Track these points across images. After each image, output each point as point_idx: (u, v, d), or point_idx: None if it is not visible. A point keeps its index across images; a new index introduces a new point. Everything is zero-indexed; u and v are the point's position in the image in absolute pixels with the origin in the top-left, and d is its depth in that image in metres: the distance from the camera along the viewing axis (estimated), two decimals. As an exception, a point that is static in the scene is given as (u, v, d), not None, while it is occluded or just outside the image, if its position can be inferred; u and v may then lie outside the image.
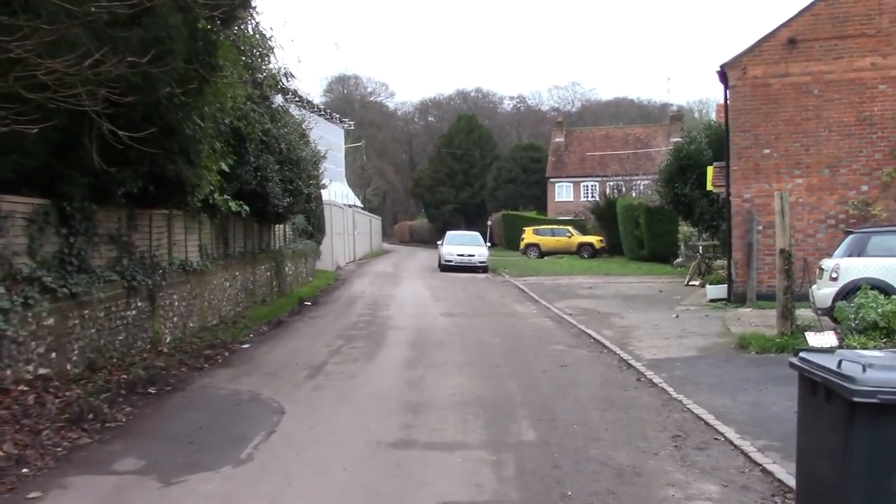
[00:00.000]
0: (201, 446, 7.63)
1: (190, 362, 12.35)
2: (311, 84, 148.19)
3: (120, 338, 11.82)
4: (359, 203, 69.20)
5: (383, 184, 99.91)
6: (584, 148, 68.17)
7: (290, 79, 17.99)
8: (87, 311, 10.65)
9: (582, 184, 65.45)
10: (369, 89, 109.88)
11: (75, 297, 10.24)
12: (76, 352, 10.33)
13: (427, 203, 79.62)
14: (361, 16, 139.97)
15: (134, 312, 12.39)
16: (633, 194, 48.13)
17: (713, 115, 39.77)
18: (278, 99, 19.63)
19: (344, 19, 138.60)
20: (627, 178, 53.58)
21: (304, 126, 23.26)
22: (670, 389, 10.17)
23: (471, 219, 72.49)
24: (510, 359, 12.91)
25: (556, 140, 69.41)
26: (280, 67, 17.87)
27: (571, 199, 65.25)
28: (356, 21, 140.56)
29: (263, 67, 17.70)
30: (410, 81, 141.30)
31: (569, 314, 18.96)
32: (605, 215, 46.89)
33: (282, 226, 27.27)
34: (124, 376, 10.37)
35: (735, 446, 7.55)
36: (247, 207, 16.56)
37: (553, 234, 49.45)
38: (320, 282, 30.08)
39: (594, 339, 14.91)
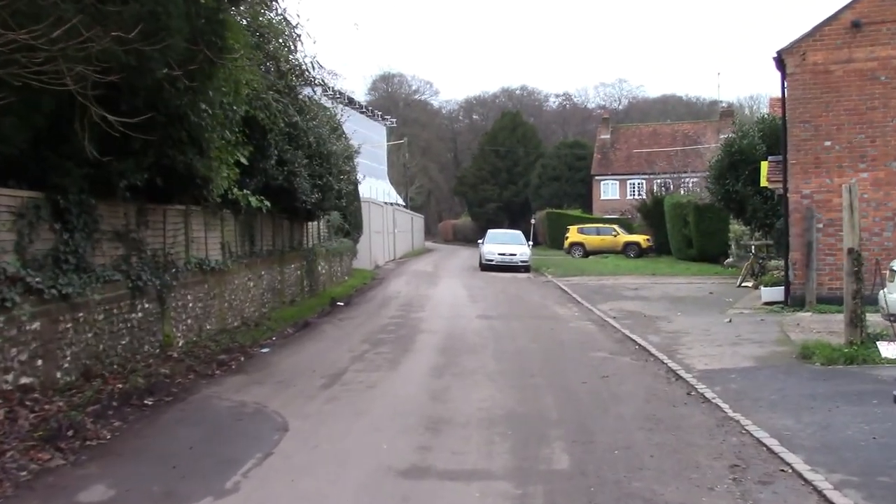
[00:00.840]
0: (185, 471, 6.66)
1: (199, 368, 11.44)
2: (355, 82, 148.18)
3: (123, 342, 10.96)
4: (400, 201, 68.44)
5: (427, 182, 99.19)
6: (630, 145, 66.56)
7: (317, 69, 17.06)
8: (81, 314, 9.79)
9: (628, 181, 63.85)
10: (413, 87, 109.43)
11: (67, 299, 9.38)
12: (68, 358, 9.47)
13: (470, 201, 78.56)
14: (406, 13, 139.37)
15: (140, 315, 11.52)
16: (682, 192, 46.61)
17: (765, 111, 38.26)
18: (310, 91, 18.66)
19: (388, 17, 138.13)
20: (675, 175, 51.97)
21: (336, 120, 22.27)
22: (725, 406, 8.99)
23: (514, 217, 71.27)
24: (547, 367, 11.80)
25: (602, 137, 67.89)
26: (307, 57, 16.93)
27: (617, 197, 63.70)
28: (400, 19, 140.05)
29: (289, 56, 16.79)
30: (455, 79, 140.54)
31: (612, 317, 17.78)
32: (651, 214, 45.40)
33: (315, 223, 26.44)
34: (120, 385, 9.49)
35: (806, 481, 6.37)
36: (268, 203, 15.64)
37: (598, 233, 48.07)
38: (356, 281, 29.21)
39: (639, 345, 13.74)
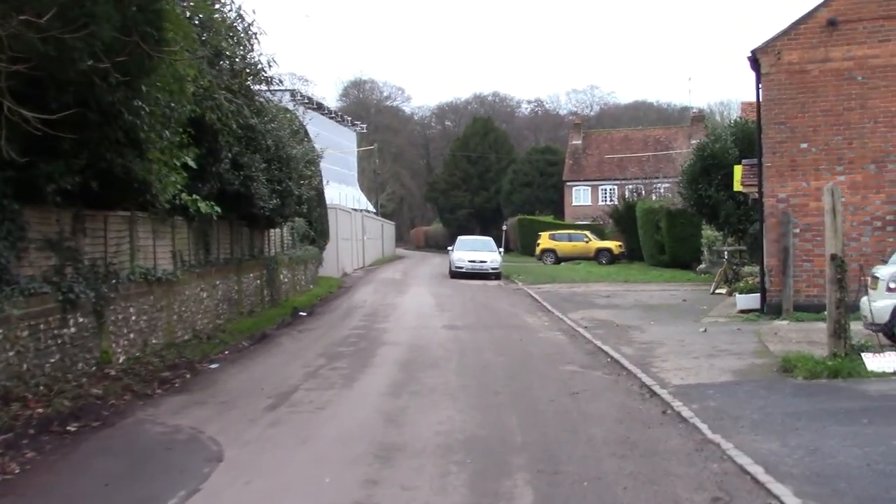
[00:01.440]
0: (93, 515, 5.84)
1: (138, 388, 10.57)
2: (326, 89, 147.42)
3: (52, 360, 10.05)
4: (371, 208, 67.53)
5: (399, 189, 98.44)
6: (602, 151, 66.07)
7: (273, 67, 16.20)
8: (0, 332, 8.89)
9: (600, 187, 63.39)
10: (385, 94, 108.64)
11: (-22, 316, 8.50)
12: (-18, 380, 8.59)
13: (441, 207, 77.79)
14: (377, 19, 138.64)
15: (73, 330, 10.61)
16: (654, 197, 46.14)
17: (735, 117, 37.84)
18: (268, 93, 17.81)
19: (359, 23, 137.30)
20: (647, 181, 51.62)
21: (297, 122, 21.41)
22: (704, 427, 8.26)
23: (486, 223, 70.52)
24: (513, 384, 11.04)
25: (574, 143, 67.35)
26: (263, 55, 16.08)
27: (589, 203, 63.18)
28: (371, 25, 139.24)
29: (245, 55, 15.96)
30: (427, 86, 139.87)
31: (584, 327, 17.07)
32: (623, 219, 44.89)
33: (278, 230, 25.55)
34: (41, 410, 8.60)
35: (798, 518, 5.66)
36: (219, 209, 14.78)
37: (570, 240, 47.51)
38: (321, 290, 28.33)
39: (611, 357, 13.01)
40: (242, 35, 15.53)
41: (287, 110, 23.56)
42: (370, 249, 49.41)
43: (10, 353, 9.12)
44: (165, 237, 15.01)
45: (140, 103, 9.74)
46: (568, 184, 64.70)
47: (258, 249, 22.33)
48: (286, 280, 24.53)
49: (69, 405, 9.04)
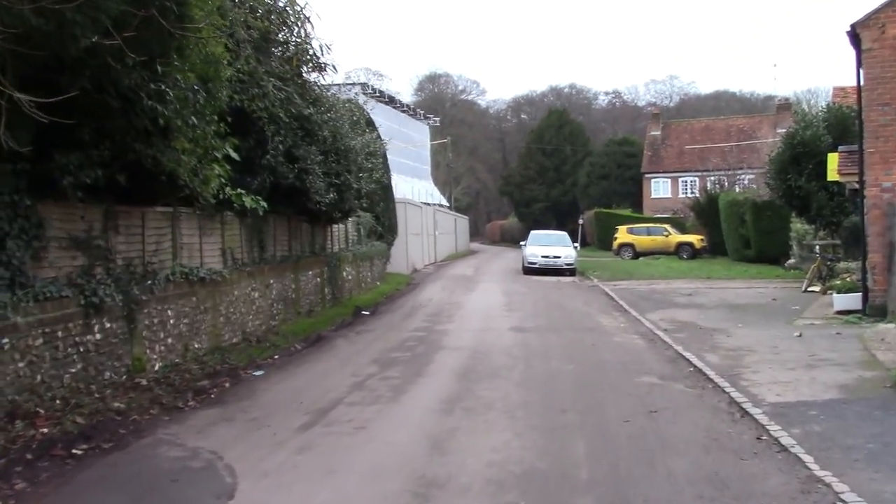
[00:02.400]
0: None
1: (168, 400, 9.64)
2: (401, 83, 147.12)
3: (73, 370, 9.19)
4: (444, 202, 66.57)
5: (475, 182, 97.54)
6: (682, 141, 63.65)
7: (325, 54, 15.19)
8: (6, 340, 8.02)
9: (680, 179, 60.99)
10: (460, 87, 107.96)
11: (-20, 323, 7.64)
12: (-17, 396, 7.74)
13: (517, 201, 76.33)
14: (452, 13, 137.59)
15: (98, 336, 9.75)
16: (737, 189, 43.97)
17: (824, 104, 35.49)
18: (322, 80, 16.84)
19: (435, 17, 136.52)
20: (730, 172, 49.28)
21: (360, 111, 20.39)
22: (809, 460, 6.89)
23: (562, 217, 68.92)
24: (582, 398, 9.76)
25: (653, 133, 65.07)
26: (316, 40, 15.09)
27: (669, 195, 60.86)
28: (447, 19, 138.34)
29: (295, 41, 15.00)
30: (502, 79, 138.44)
31: (663, 329, 15.66)
32: (706, 212, 42.82)
33: (342, 226, 24.69)
34: (45, 430, 7.69)
35: None
36: (265, 204, 13.84)
37: (649, 233, 45.59)
38: (388, 287, 27.38)
39: (695, 367, 11.62)
40: (293, 20, 14.54)
41: (349, 101, 22.66)
42: (442, 244, 48.42)
43: (21, 364, 8.27)
44: (214, 234, 14.18)
45: (163, 87, 8.76)
46: (647, 176, 62.50)
47: (319, 246, 21.46)
48: (350, 277, 23.62)
49: (82, 422, 8.14)
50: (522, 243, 37.57)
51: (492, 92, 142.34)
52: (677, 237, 44.53)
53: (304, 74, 15.22)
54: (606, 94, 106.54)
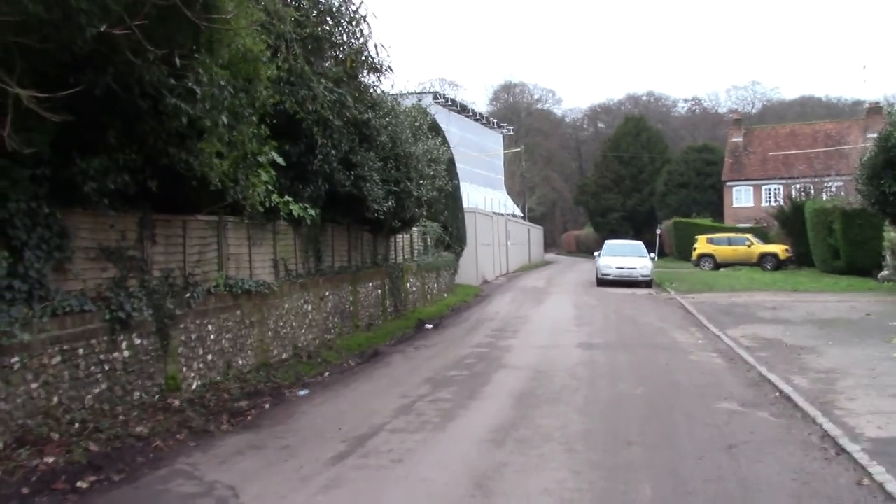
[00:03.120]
0: None
1: (199, 423, 8.95)
2: (476, 93, 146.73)
3: (96, 391, 8.56)
4: (518, 212, 65.55)
5: (550, 192, 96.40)
6: (765, 148, 61.32)
7: (379, 53, 14.40)
8: (16, 360, 7.41)
9: (763, 187, 58.67)
10: (536, 96, 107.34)
11: (-15, 341, 7.03)
12: (-12, 421, 7.12)
13: (592, 211, 74.76)
14: (527, 22, 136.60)
15: (126, 354, 9.12)
16: (825, 197, 41.85)
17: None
18: (377, 82, 16.07)
19: (510, 27, 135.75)
20: (817, 178, 47.11)
21: (420, 117, 19.61)
22: (923, 514, 5.77)
23: (639, 227, 67.24)
24: (651, 429, 8.71)
25: (734, 140, 62.85)
26: (370, 40, 14.30)
27: (751, 204, 58.60)
28: (522, 28, 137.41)
29: (353, 43, 14.28)
30: (579, 87, 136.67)
31: (745, 347, 14.43)
32: (790, 221, 40.81)
33: (407, 235, 23.98)
34: (49, 459, 7.02)
35: None
36: (313, 212, 13.13)
37: (730, 243, 43.70)
38: (454, 299, 26.54)
39: (780, 392, 10.43)
40: (347, 21, 13.82)
41: (419, 109, 21.92)
42: (514, 255, 47.40)
43: (34, 385, 7.65)
44: (264, 244, 13.55)
45: (190, 84, 8.06)
46: (728, 184, 60.34)
47: (381, 256, 20.76)
48: (414, 289, 22.86)
49: (96, 450, 7.46)
50: (596, 254, 36.31)
51: (568, 101, 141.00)
52: (760, 247, 42.60)
53: (359, 77, 14.45)
54: (686, 101, 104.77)
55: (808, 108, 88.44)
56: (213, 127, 8.61)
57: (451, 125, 53.02)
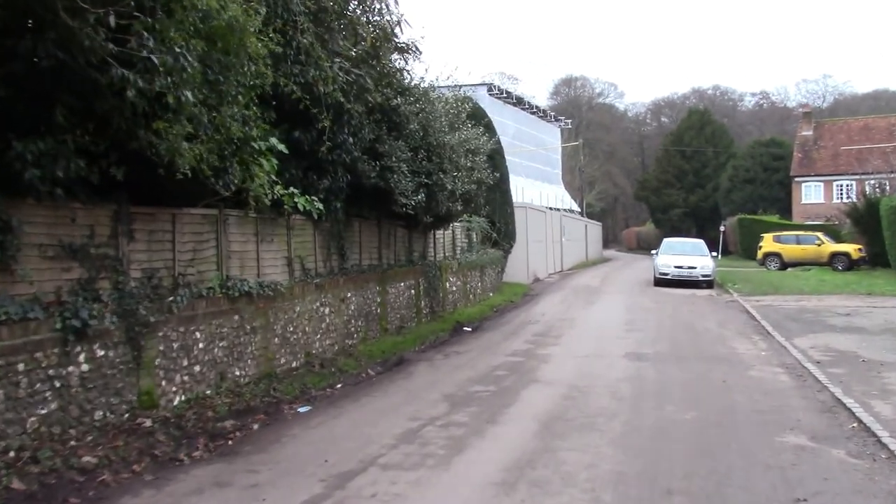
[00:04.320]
0: None
1: (165, 450, 7.68)
2: (536, 87, 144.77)
3: (43, 411, 7.31)
4: (576, 207, 63.70)
5: (611, 188, 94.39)
6: (837, 142, 58.30)
7: (403, 28, 13.00)
8: (-76, 379, 6.21)
9: (834, 183, 55.72)
10: (597, 90, 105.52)
11: None
12: None
13: (653, 207, 72.53)
14: (589, 15, 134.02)
15: (85, 368, 7.88)
16: (902, 193, 39.26)
17: None
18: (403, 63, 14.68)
19: (572, 19, 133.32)
20: (893, 174, 44.31)
21: (459, 105, 18.14)
22: None
23: (702, 224, 64.85)
24: (699, 470, 7.15)
25: (803, 134, 59.90)
26: (392, 15, 12.91)
27: (821, 200, 55.70)
28: (584, 21, 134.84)
29: (370, 17, 12.95)
30: (642, 81, 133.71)
31: (815, 361, 12.74)
32: (864, 219, 38.25)
33: (448, 232, 22.58)
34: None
35: None
36: (321, 206, 11.77)
37: (798, 242, 41.30)
38: (500, 298, 25.07)
39: (859, 421, 8.78)
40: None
41: (458, 96, 20.51)
42: (570, 252, 45.67)
43: (-47, 408, 6.45)
44: (276, 241, 12.31)
45: (134, 50, 6.72)
46: (796, 179, 57.50)
47: (418, 254, 19.40)
48: (454, 289, 21.44)
49: (21, 488, 6.22)
50: (654, 252, 34.44)
51: (630, 95, 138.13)
52: (831, 246, 40.15)
53: (382, 58, 13.05)
54: (753, 95, 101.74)
55: (882, 102, 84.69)
56: (177, 104, 7.29)
57: (506, 118, 51.47)
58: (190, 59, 7.01)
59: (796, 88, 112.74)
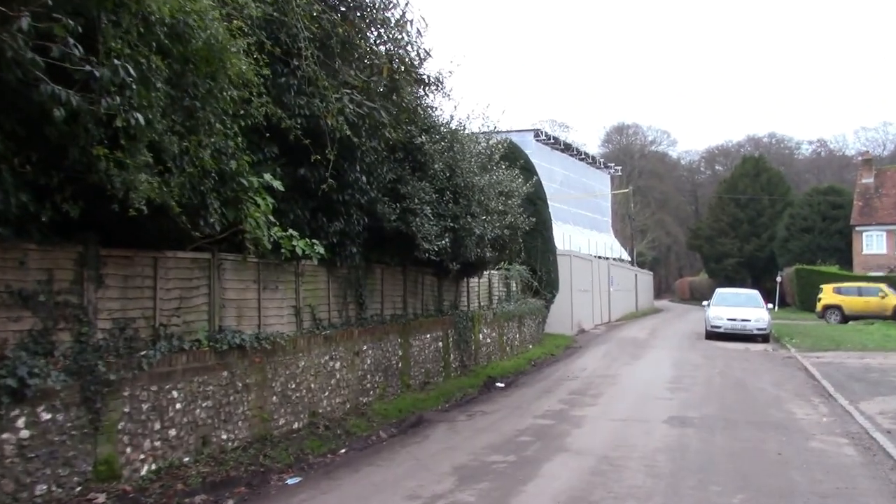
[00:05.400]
0: None
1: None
2: (588, 135, 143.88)
3: (-36, 488, 6.29)
4: (625, 256, 62.05)
5: (664, 237, 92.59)
6: (900, 189, 56.01)
7: (425, 61, 12.00)
8: None
9: (898, 232, 53.40)
10: (650, 138, 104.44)
11: None
12: None
13: (706, 256, 70.43)
14: (642, 64, 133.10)
15: (25, 434, 6.81)
16: (973, 243, 37.08)
17: None
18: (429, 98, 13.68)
19: (624, 68, 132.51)
20: (961, 222, 42.14)
21: (492, 145, 17.07)
22: None
23: (757, 274, 62.66)
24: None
25: (864, 181, 57.58)
26: (414, 45, 11.90)
27: (884, 251, 53.23)
28: (636, 69, 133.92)
29: (389, 50, 11.95)
30: (695, 129, 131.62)
31: (885, 431, 11.24)
32: (932, 270, 36.24)
33: (484, 280, 21.38)
34: None
35: None
36: (322, 251, 10.71)
37: (860, 294, 39.12)
38: (541, 350, 23.72)
39: (944, 512, 7.33)
40: (381, 21, 11.51)
41: (501, 140, 19.46)
42: (618, 302, 44.05)
43: None
44: (281, 288, 11.26)
45: (89, 68, 5.74)
46: (857, 229, 55.11)
47: (449, 303, 18.24)
48: (488, 341, 20.17)
49: None
50: (705, 303, 32.73)
51: (684, 143, 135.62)
52: (895, 299, 37.99)
53: (401, 90, 12.02)
54: (810, 143, 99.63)
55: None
56: (135, 129, 6.28)
57: (554, 164, 50.39)
58: (134, 73, 6.00)
59: (855, 136, 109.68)
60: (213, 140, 7.60)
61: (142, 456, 8.12)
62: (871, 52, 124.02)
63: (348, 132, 10.22)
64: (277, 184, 9.36)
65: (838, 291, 39.65)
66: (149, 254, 8.75)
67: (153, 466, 8.22)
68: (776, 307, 49.14)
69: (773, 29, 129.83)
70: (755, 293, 32.76)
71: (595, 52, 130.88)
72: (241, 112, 8.56)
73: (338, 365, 12.28)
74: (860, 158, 65.53)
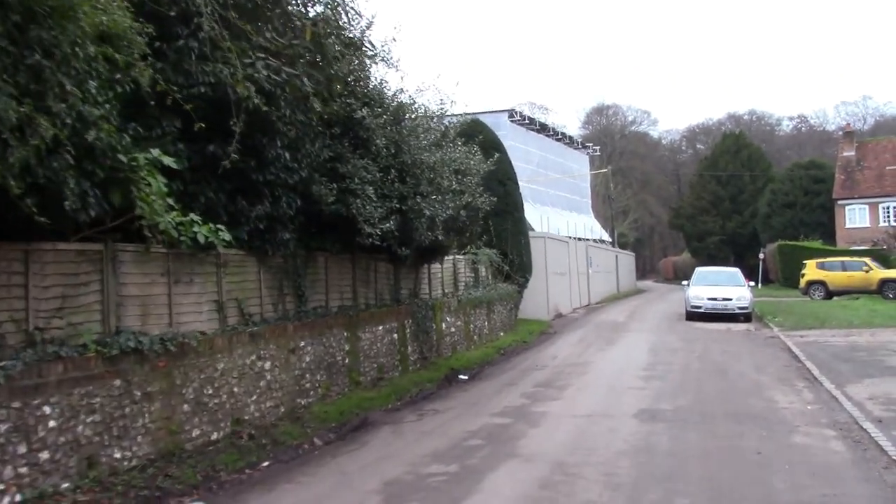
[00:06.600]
0: None
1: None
2: (567, 117, 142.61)
3: None
4: (605, 237, 60.91)
5: (647, 217, 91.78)
6: (882, 162, 54.93)
7: (370, 27, 10.72)
8: None
9: (881, 205, 52.30)
10: (630, 118, 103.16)
11: None
12: None
13: (689, 235, 69.36)
14: (620, 43, 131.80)
15: None
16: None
17: None
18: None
19: (602, 48, 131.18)
20: (945, 194, 41.18)
21: (435, 119, 15.68)
22: None
23: (740, 251, 61.63)
24: None
25: (845, 154, 56.50)
26: (345, 6, 10.58)
27: (867, 224, 52.25)
28: (614, 50, 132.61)
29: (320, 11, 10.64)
30: (676, 108, 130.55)
31: (876, 419, 10.12)
32: (916, 242, 35.20)
33: (448, 266, 20.13)
34: None
35: None
36: (227, 237, 9.42)
37: (844, 269, 38.07)
38: (513, 338, 22.51)
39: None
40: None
41: (459, 119, 18.16)
42: (598, 284, 42.87)
43: None
44: (198, 282, 9.99)
45: None
46: (839, 202, 54.09)
47: (408, 292, 17.01)
48: (453, 330, 18.92)
49: None
50: (685, 283, 31.64)
51: (664, 122, 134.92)
52: (880, 272, 36.95)
53: (329, 56, 10.70)
54: (790, 119, 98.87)
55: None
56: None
57: (530, 145, 49.14)
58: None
59: (835, 111, 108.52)
60: (64, 106, 6.27)
61: (1, 486, 6.82)
62: (849, 27, 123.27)
63: (261, 102, 8.88)
64: (170, 161, 8.05)
65: (822, 267, 38.62)
66: (16, 246, 7.45)
67: (17, 498, 6.92)
68: (759, 284, 48.14)
69: (752, 4, 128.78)
70: (736, 271, 31.68)
71: (574, 34, 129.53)
72: (118, 77, 7.23)
73: (268, 365, 10.99)
74: (842, 132, 64.54)
